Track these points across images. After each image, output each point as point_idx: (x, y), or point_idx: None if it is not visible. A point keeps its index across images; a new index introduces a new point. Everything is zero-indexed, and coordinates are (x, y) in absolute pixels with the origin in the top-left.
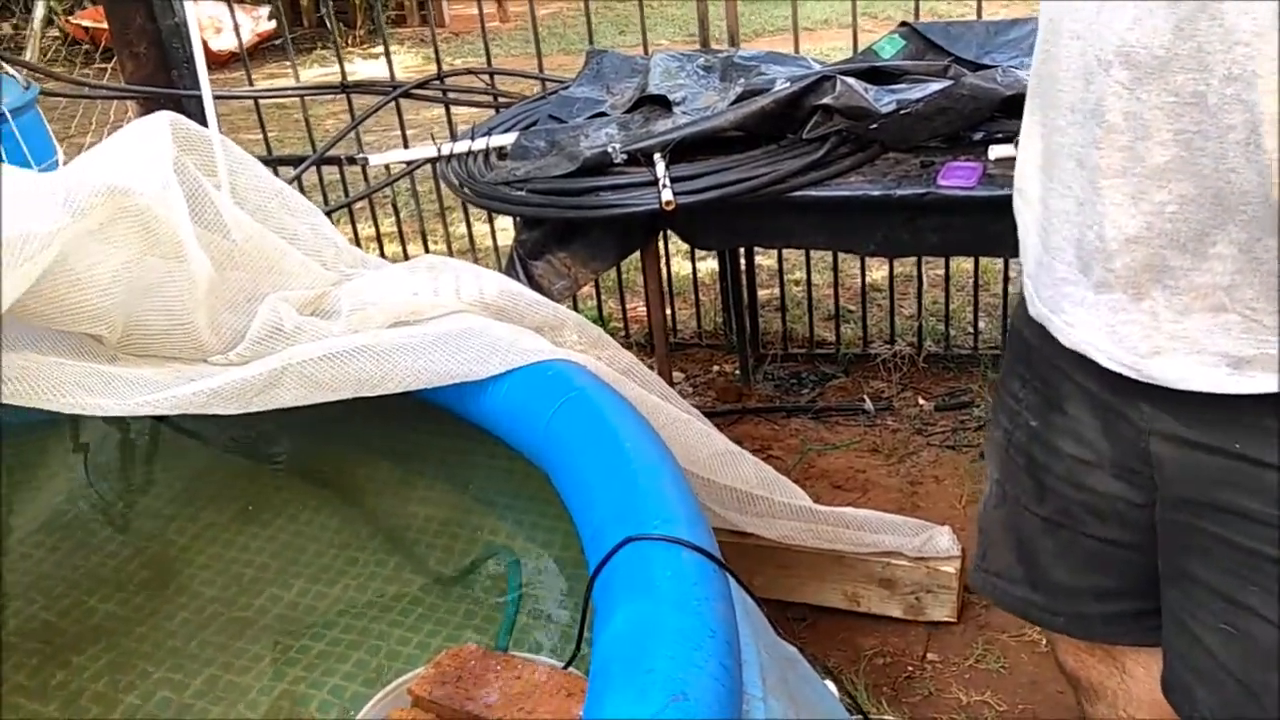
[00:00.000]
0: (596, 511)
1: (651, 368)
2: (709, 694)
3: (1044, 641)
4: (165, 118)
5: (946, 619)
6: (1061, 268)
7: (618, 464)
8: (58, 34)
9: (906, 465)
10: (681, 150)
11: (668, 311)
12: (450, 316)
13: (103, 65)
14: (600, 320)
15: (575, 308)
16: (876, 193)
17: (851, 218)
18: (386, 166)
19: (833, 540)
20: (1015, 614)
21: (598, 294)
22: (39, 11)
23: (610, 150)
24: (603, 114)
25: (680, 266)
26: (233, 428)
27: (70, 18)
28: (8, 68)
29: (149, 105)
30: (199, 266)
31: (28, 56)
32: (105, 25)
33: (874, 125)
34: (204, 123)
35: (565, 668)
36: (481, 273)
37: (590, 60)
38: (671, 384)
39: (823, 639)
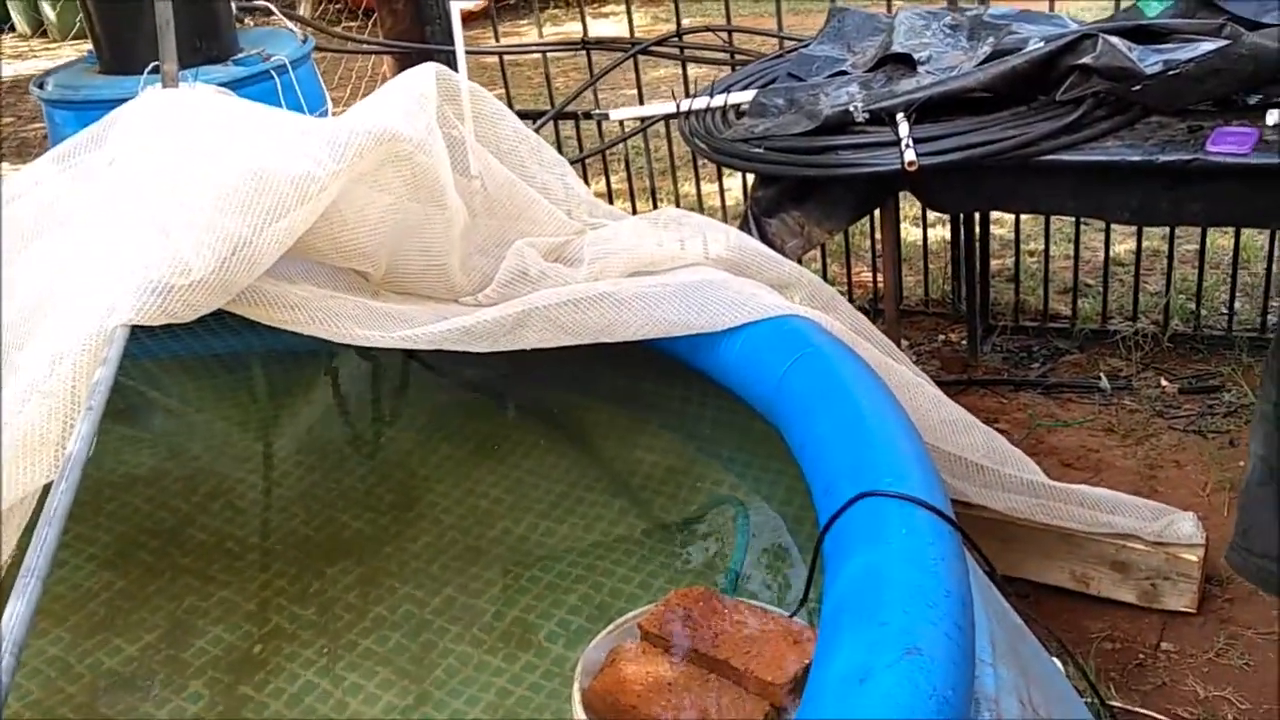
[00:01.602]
0: (829, 466)
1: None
2: (943, 652)
3: None
4: (430, 69)
5: (1185, 609)
6: None
7: (852, 421)
8: None
9: (1145, 448)
10: (925, 110)
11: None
12: (688, 269)
13: (350, 23)
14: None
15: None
16: (1136, 158)
17: (1106, 184)
18: (620, 123)
19: (1063, 518)
20: None
21: (823, 257)
22: None
23: (852, 109)
24: (843, 73)
25: (907, 232)
26: (472, 367)
27: None
28: (287, 22)
29: (404, 60)
30: (456, 211)
31: (301, 12)
32: None
33: (1137, 87)
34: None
35: (791, 616)
36: (719, 227)
37: (832, 18)
38: (900, 345)
39: (1046, 618)
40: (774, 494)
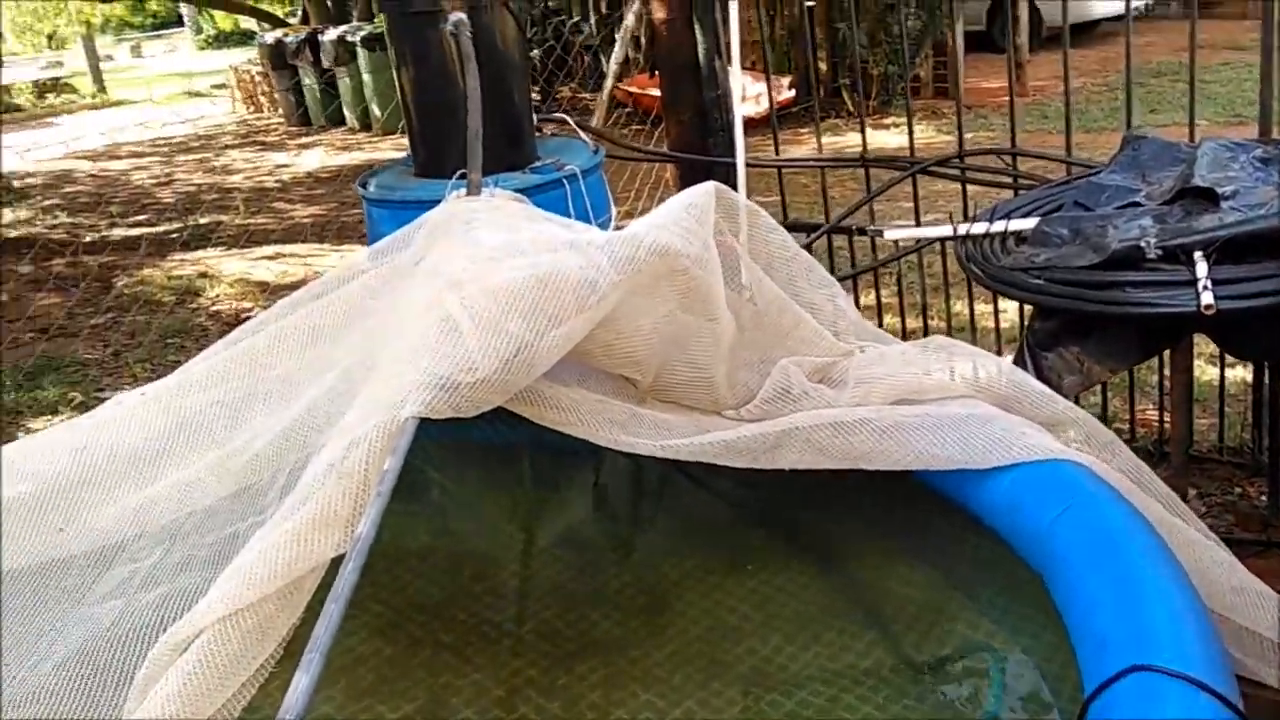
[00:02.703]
0: (1098, 629)
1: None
2: None
3: None
4: (710, 187)
5: None
6: None
7: (1126, 581)
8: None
9: None
10: (1227, 250)
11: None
12: (955, 400)
13: (639, 128)
14: (1103, 420)
15: (1076, 402)
16: None
17: None
18: (895, 240)
19: None
20: None
21: (1104, 391)
22: (608, 84)
23: (1144, 244)
24: (1135, 204)
25: (1202, 370)
26: (728, 479)
27: (619, 84)
28: (581, 132)
29: (685, 169)
30: (725, 326)
31: (594, 122)
32: (646, 92)
33: None
34: (735, 186)
35: None
36: (990, 359)
37: (1126, 145)
38: (1186, 496)
39: None
40: (1034, 646)
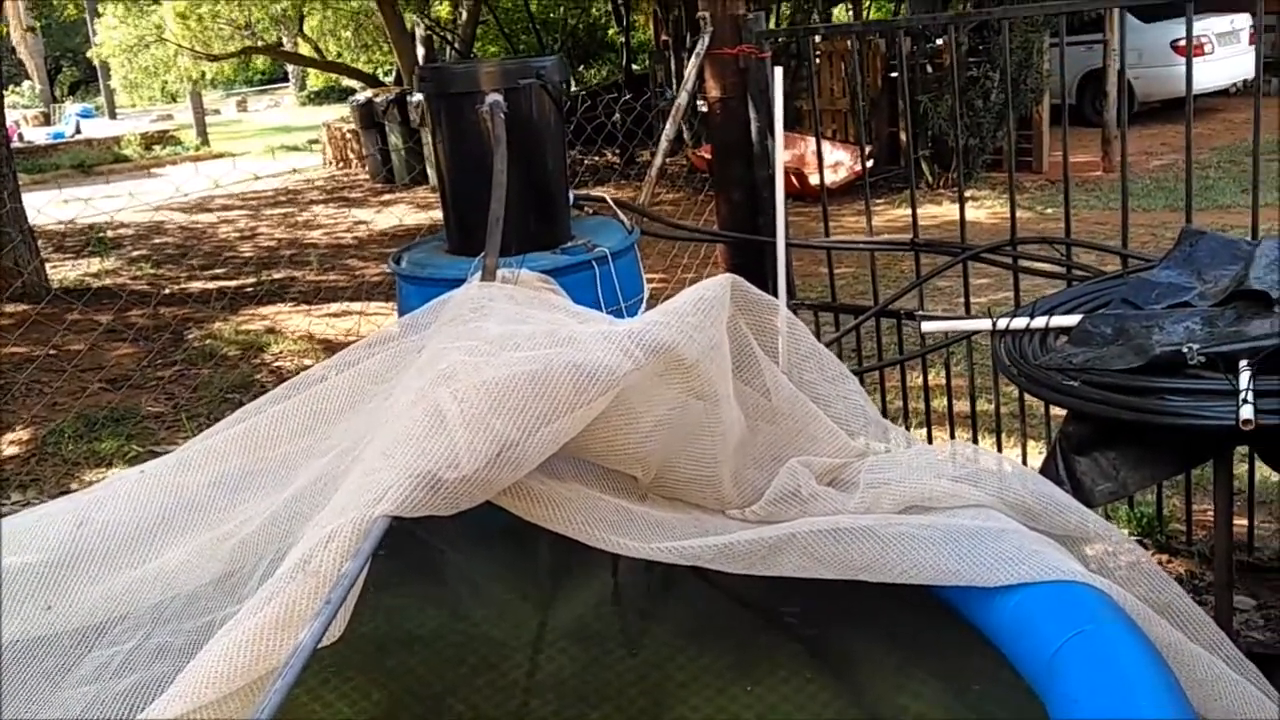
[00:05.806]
0: None
1: (1209, 594)
2: None
3: None
4: (725, 280)
5: None
6: None
7: None
8: (684, 162)
9: None
10: (1276, 359)
11: (1245, 524)
12: (969, 509)
13: (710, 196)
14: (1159, 520)
15: (1131, 502)
16: None
17: None
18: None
19: None
20: None
21: (1158, 490)
22: (656, 162)
23: (1186, 350)
24: (1186, 304)
25: (1269, 472)
26: (747, 578)
27: (695, 150)
28: (618, 211)
29: (733, 248)
30: (730, 426)
31: (641, 199)
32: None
33: None
34: (774, 268)
35: None
36: (1010, 468)
37: (1183, 240)
38: (1233, 614)
39: None
40: None
